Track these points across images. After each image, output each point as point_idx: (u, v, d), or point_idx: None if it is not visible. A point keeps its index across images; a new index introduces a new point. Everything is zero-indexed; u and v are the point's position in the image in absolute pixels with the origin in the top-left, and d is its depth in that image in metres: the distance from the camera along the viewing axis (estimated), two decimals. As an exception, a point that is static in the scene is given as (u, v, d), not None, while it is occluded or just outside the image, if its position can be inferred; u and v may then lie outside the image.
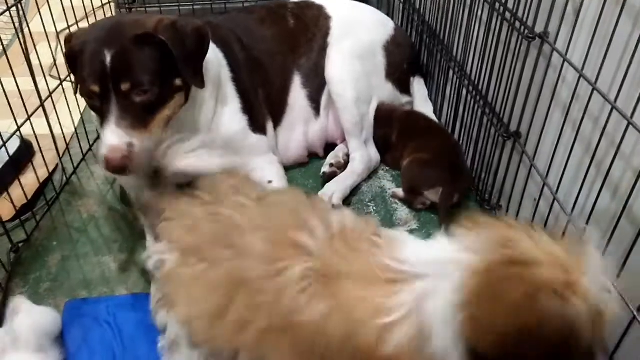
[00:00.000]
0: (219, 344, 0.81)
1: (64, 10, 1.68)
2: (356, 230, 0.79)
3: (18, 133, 1.44)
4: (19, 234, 1.44)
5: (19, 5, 1.48)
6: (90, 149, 1.77)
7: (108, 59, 1.19)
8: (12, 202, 1.44)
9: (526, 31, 1.20)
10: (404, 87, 1.84)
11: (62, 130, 1.64)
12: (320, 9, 1.77)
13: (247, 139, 1.50)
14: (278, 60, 1.66)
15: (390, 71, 1.77)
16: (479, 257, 0.66)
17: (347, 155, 1.68)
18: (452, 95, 1.73)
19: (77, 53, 1.23)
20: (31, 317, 1.13)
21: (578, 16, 1.07)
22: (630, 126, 0.90)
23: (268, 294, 0.75)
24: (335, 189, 1.54)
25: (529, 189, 1.32)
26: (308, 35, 1.72)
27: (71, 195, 1.62)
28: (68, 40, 1.28)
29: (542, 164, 1.24)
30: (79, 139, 1.73)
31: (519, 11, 1.24)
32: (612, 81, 1.00)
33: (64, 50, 1.28)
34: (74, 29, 1.67)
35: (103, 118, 1.23)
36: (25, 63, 1.45)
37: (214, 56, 1.41)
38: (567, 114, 1.13)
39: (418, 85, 1.88)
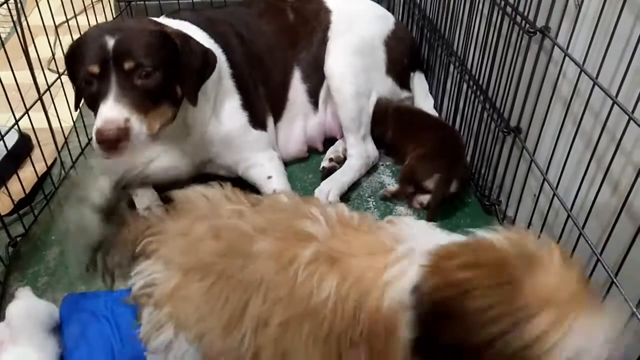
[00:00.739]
0: (237, 353, 0.80)
1: (62, 3, 1.67)
2: (354, 218, 0.82)
3: (16, 127, 1.44)
4: (17, 228, 1.43)
5: (17, -2, 1.47)
6: (88, 143, 1.76)
7: (111, 42, 1.19)
8: (10, 196, 1.44)
9: (527, 26, 1.20)
10: (404, 82, 1.83)
11: (60, 124, 1.64)
12: (320, 2, 1.76)
13: (248, 135, 1.49)
14: (278, 54, 1.66)
15: (391, 66, 1.76)
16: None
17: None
18: (452, 90, 1.72)
19: (78, 47, 1.23)
20: (26, 302, 1.14)
21: (579, 11, 1.07)
22: (631, 121, 0.89)
23: (282, 287, 0.76)
24: (332, 186, 1.53)
25: (529, 184, 1.32)
26: (308, 29, 1.71)
27: (69, 189, 1.61)
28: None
29: (542, 159, 1.23)
30: (77, 133, 1.72)
31: (520, 5, 1.23)
32: (613, 76, 0.99)
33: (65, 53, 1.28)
34: (72, 22, 1.68)
35: (100, 99, 1.19)
36: (24, 56, 1.45)
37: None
38: (567, 109, 1.12)
39: (419, 80, 1.88)
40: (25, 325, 1.08)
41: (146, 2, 2.13)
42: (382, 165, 1.71)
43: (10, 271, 1.33)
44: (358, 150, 1.64)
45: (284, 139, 1.67)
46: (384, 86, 1.75)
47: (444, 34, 1.74)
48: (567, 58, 1.09)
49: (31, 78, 1.47)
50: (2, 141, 1.38)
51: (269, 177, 1.49)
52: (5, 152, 1.48)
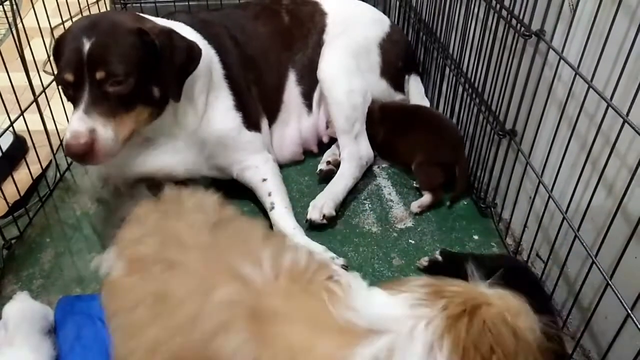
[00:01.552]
0: None
1: (58, 5, 1.67)
2: (309, 271, 0.72)
3: (11, 129, 1.43)
4: (12, 231, 1.43)
5: (13, 0, 1.47)
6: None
7: (87, 47, 1.18)
8: (5, 199, 1.43)
9: (522, 29, 1.20)
10: (398, 85, 1.83)
11: (55, 126, 1.63)
12: (315, 5, 1.76)
13: (241, 137, 1.49)
14: (272, 56, 1.65)
15: (385, 69, 1.76)
16: (436, 310, 0.62)
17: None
18: (448, 93, 1.73)
19: (60, 44, 1.23)
20: (22, 304, 1.13)
21: (574, 14, 1.07)
22: (626, 124, 0.90)
23: (187, 313, 0.68)
24: (326, 199, 1.49)
25: (525, 187, 1.32)
26: (303, 31, 1.71)
27: (64, 192, 1.61)
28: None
29: (537, 162, 1.24)
30: (72, 135, 1.72)
31: (515, 9, 1.24)
32: (608, 79, 1.00)
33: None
34: (68, 24, 1.67)
35: (74, 106, 1.21)
36: (19, 58, 1.44)
37: (205, 53, 1.40)
38: (562, 111, 1.13)
39: (414, 83, 1.88)
40: (21, 327, 1.08)
41: (142, 4, 2.12)
42: (378, 167, 1.71)
43: (5, 274, 1.33)
44: (350, 150, 1.61)
45: (279, 141, 1.67)
46: (378, 88, 1.75)
47: (439, 37, 1.74)
48: (562, 61, 1.10)
49: (26, 80, 1.47)
50: (-3, 143, 1.38)
51: (264, 180, 1.48)
52: (0, 154, 1.48)
